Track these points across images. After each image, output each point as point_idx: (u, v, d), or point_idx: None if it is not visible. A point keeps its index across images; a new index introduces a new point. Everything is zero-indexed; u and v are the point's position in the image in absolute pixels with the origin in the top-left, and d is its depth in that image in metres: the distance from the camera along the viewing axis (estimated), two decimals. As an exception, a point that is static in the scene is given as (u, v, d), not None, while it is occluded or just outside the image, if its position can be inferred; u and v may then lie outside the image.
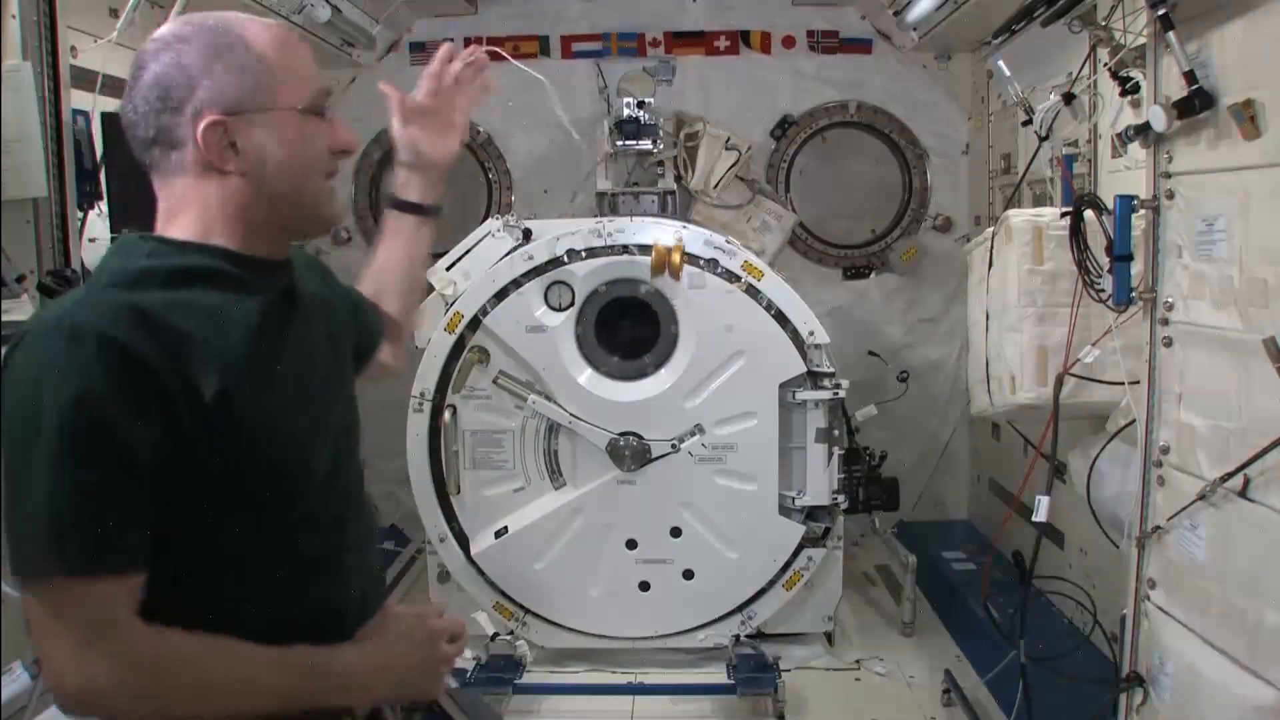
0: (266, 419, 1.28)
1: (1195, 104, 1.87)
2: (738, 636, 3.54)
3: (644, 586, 3.55)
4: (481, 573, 3.56)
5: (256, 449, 1.27)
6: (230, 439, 1.23)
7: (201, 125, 1.27)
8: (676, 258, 3.26)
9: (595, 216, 4.10)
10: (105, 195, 2.80)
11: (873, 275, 5.01)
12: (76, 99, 2.65)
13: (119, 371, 1.15)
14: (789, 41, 4.92)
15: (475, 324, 3.45)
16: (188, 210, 1.32)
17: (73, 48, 2.75)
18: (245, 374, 1.25)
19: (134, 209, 2.90)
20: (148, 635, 1.19)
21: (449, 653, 1.43)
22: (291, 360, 1.36)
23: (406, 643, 1.38)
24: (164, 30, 1.32)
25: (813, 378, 3.44)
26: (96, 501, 1.15)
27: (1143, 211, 2.13)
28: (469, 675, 3.32)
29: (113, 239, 2.84)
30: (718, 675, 3.45)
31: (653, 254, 3.35)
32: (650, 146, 4.51)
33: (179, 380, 1.19)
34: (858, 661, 3.66)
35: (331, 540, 1.41)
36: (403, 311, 1.86)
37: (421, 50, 4.95)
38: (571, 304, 3.47)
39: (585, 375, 3.50)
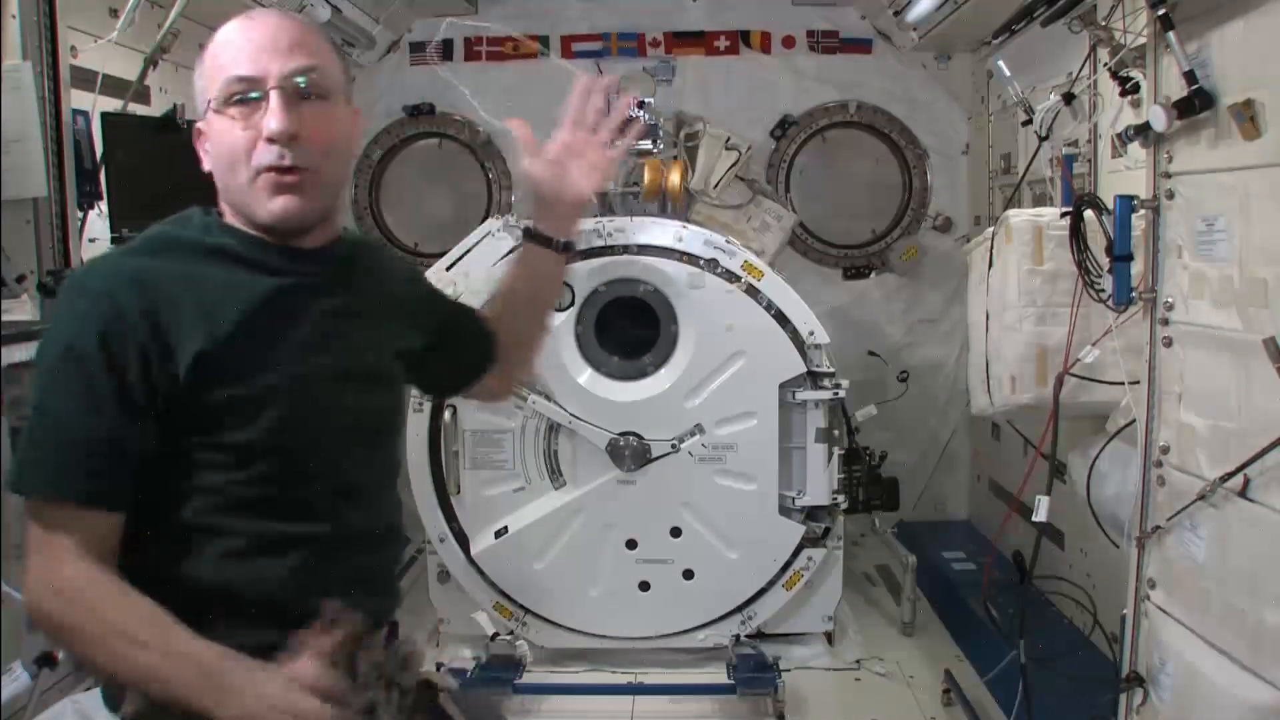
0: (252, 386, 1.34)
1: (1195, 104, 1.87)
2: (738, 636, 3.54)
3: (644, 586, 3.55)
4: (481, 573, 3.56)
5: (225, 418, 1.33)
6: (202, 403, 1.31)
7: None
8: (676, 178, 3.07)
9: (595, 216, 4.10)
10: (105, 195, 2.80)
11: (873, 275, 5.01)
12: (76, 99, 2.65)
13: (103, 324, 1.28)
14: (789, 41, 4.91)
15: (475, 324, 3.45)
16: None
17: (73, 48, 2.75)
18: (225, 344, 1.32)
19: (134, 209, 2.91)
20: (83, 572, 1.26)
21: (307, 709, 1.23)
22: (293, 340, 1.40)
23: (275, 683, 1.24)
24: None
25: (813, 378, 3.44)
26: (65, 435, 1.29)
27: (1143, 211, 2.13)
28: (469, 675, 3.32)
29: (113, 239, 2.84)
30: (718, 675, 3.45)
31: (645, 175, 3.18)
32: (650, 146, 4.51)
33: (158, 341, 1.30)
34: (858, 661, 3.66)
35: (310, 528, 1.40)
36: (518, 345, 1.84)
37: (421, 50, 4.95)
38: (571, 304, 3.47)
39: (585, 375, 3.50)
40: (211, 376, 1.31)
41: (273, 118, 1.33)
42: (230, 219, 1.44)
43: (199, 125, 1.41)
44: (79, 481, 1.29)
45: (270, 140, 1.34)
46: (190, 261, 1.37)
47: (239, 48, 1.36)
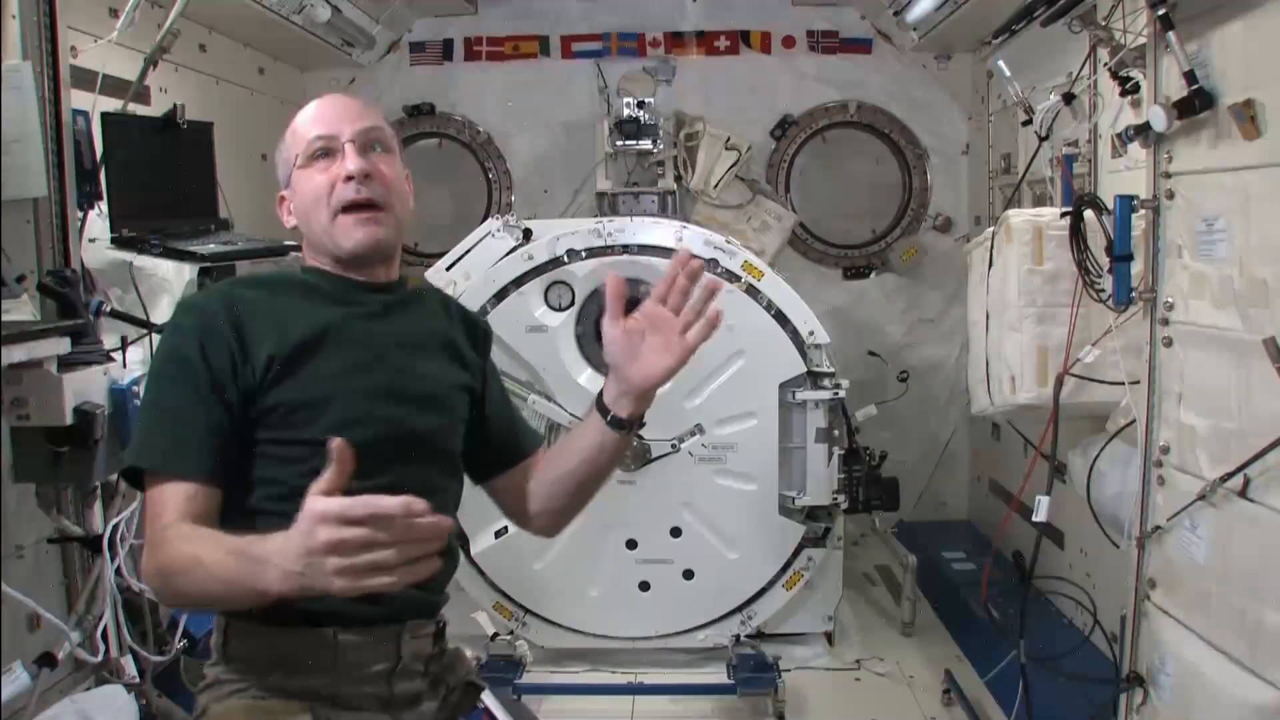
0: (311, 390, 1.56)
1: (1195, 104, 1.87)
2: (738, 636, 3.54)
3: (644, 586, 3.55)
4: (481, 573, 3.56)
5: (291, 416, 1.55)
6: (272, 402, 1.54)
7: (278, 198, 1.73)
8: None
9: (595, 216, 4.10)
10: (105, 195, 2.79)
11: (873, 275, 5.01)
12: (76, 99, 2.65)
13: (201, 333, 1.55)
14: (789, 41, 4.92)
15: (475, 324, 3.45)
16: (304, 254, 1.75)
17: (73, 48, 2.75)
18: (291, 352, 1.56)
19: (134, 209, 2.91)
20: (174, 527, 1.45)
21: (322, 539, 1.22)
22: (350, 358, 1.61)
23: (295, 529, 1.26)
24: None
25: (813, 378, 3.44)
26: (169, 418, 1.53)
27: (1143, 211, 2.13)
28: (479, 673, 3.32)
29: (112, 239, 2.84)
30: (718, 675, 3.45)
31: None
32: (650, 146, 4.51)
33: (241, 347, 1.55)
34: (858, 661, 3.66)
35: None
36: (562, 498, 1.86)
37: (422, 50, 4.96)
38: (571, 304, 3.47)
39: (585, 375, 3.50)
40: (279, 379, 1.55)
41: (350, 160, 1.61)
42: (311, 260, 1.71)
43: (282, 193, 1.71)
44: (186, 456, 1.50)
45: (348, 178, 1.60)
46: (272, 290, 1.65)
47: (316, 117, 1.66)
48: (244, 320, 1.57)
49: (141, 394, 1.64)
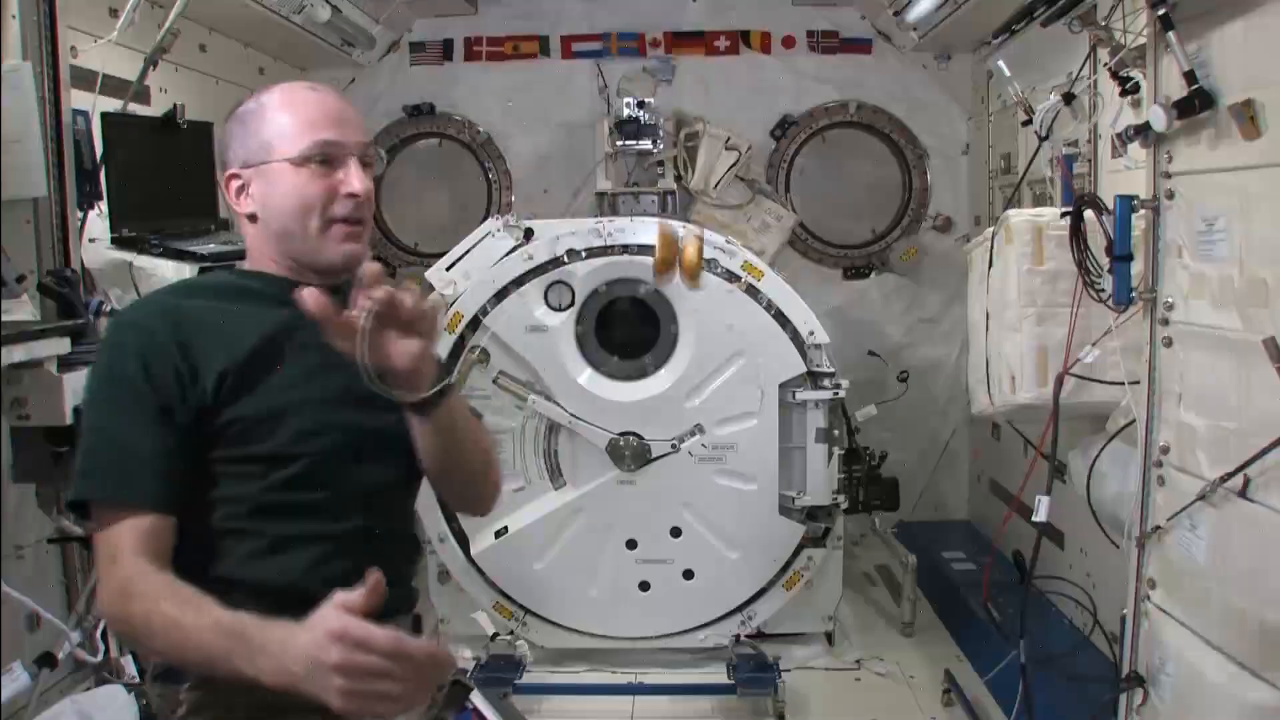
0: (268, 402, 1.49)
1: (1195, 104, 1.87)
2: (738, 636, 3.54)
3: (644, 586, 3.55)
4: (481, 573, 3.56)
5: (248, 432, 1.48)
6: (227, 418, 1.47)
7: (225, 177, 1.58)
8: (693, 251, 2.67)
9: (595, 216, 4.10)
10: (105, 195, 2.79)
11: (873, 275, 5.01)
12: (76, 99, 2.65)
13: (142, 350, 1.46)
14: (789, 41, 4.92)
15: (475, 324, 3.45)
16: (246, 244, 1.65)
17: (73, 48, 2.75)
18: (243, 365, 1.49)
19: (134, 209, 2.91)
20: (134, 569, 1.39)
21: (335, 658, 1.19)
22: (305, 364, 1.53)
23: (306, 635, 1.22)
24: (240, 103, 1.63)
25: (813, 378, 3.44)
26: (113, 446, 1.45)
27: (1143, 211, 2.13)
28: (469, 675, 3.32)
29: (112, 239, 2.84)
30: (718, 675, 3.45)
31: (658, 245, 3.00)
32: (650, 146, 4.51)
33: (188, 363, 1.47)
34: (858, 661, 3.66)
35: (330, 527, 1.52)
36: (462, 485, 1.71)
37: (422, 50, 4.96)
38: (571, 304, 3.47)
39: (585, 375, 3.50)
40: (233, 394, 1.48)
41: (356, 179, 1.55)
42: (257, 263, 1.61)
43: (241, 171, 1.56)
44: (135, 486, 1.43)
45: (350, 196, 1.54)
46: (214, 298, 1.57)
47: (320, 118, 1.55)
48: (188, 335, 1.49)
49: (82, 420, 1.54)
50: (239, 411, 1.48)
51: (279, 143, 1.55)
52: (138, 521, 1.42)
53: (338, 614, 1.21)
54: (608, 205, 4.56)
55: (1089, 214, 2.38)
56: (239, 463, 1.49)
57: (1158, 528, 2.07)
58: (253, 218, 1.58)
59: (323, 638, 1.20)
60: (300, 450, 1.50)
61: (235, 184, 1.58)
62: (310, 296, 1.34)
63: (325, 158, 1.54)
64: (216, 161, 1.71)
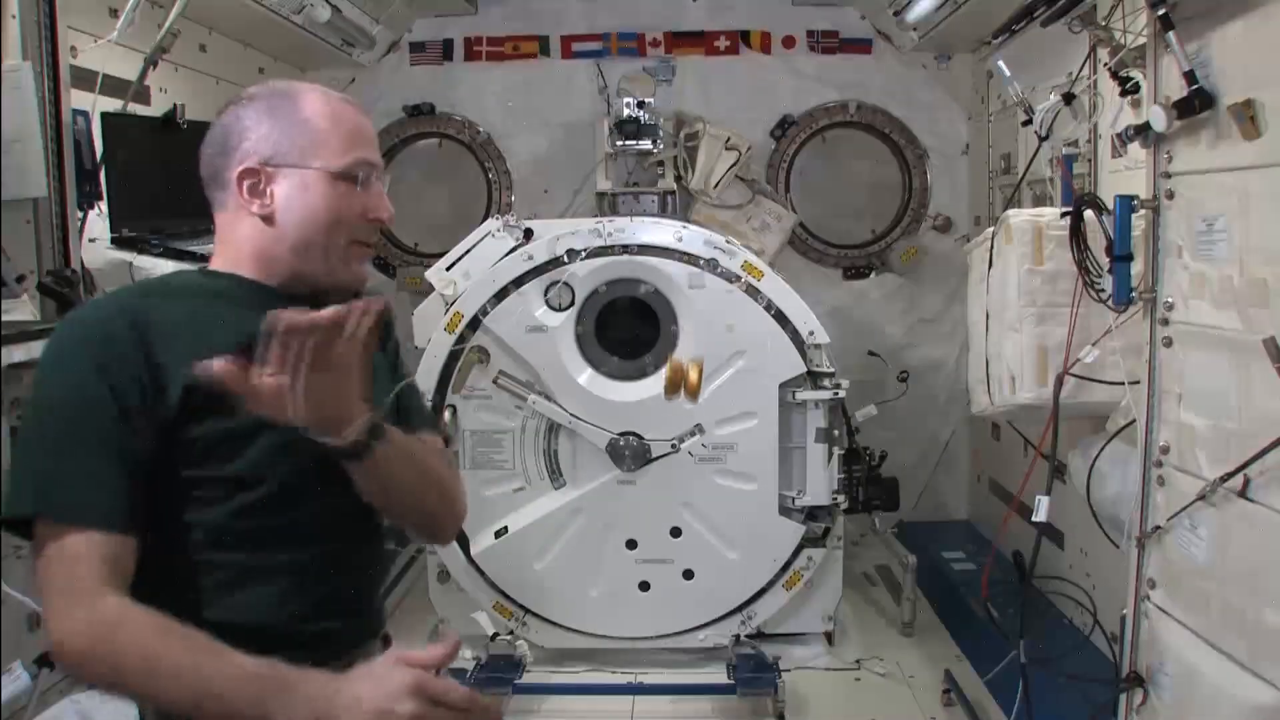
0: (240, 418, 1.32)
1: (1195, 104, 1.87)
2: (738, 636, 3.54)
3: (644, 586, 3.55)
4: (481, 573, 3.56)
5: (228, 445, 1.36)
6: (202, 430, 1.35)
7: (238, 168, 1.44)
8: (695, 376, 2.88)
9: (595, 216, 4.10)
10: (105, 195, 2.80)
11: (873, 275, 5.02)
12: (76, 99, 2.65)
13: (97, 353, 1.33)
14: (789, 41, 4.92)
15: (475, 324, 3.46)
16: (226, 242, 1.50)
17: (73, 48, 2.75)
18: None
19: (134, 209, 2.91)
20: (114, 605, 1.26)
21: (409, 710, 1.19)
22: None
23: (371, 686, 1.21)
24: (248, 89, 1.51)
25: (813, 378, 3.44)
26: (66, 456, 1.30)
27: (1143, 211, 2.13)
28: (469, 675, 3.32)
29: (112, 239, 2.84)
30: (718, 675, 3.45)
31: (667, 369, 3.05)
32: (650, 146, 4.51)
33: (151, 372, 1.34)
34: (858, 661, 3.66)
35: (297, 555, 1.42)
36: (418, 509, 1.62)
37: (422, 50, 4.96)
38: (571, 304, 3.47)
39: (585, 375, 3.50)
40: (200, 409, 1.34)
41: (385, 206, 1.50)
42: (232, 264, 1.48)
43: (261, 167, 1.43)
44: (95, 502, 1.29)
45: (378, 220, 1.50)
46: (180, 301, 1.44)
47: (359, 132, 1.49)
48: (153, 340, 1.34)
49: (21, 426, 1.35)
50: (205, 429, 1.34)
51: (320, 151, 1.45)
52: (99, 545, 1.27)
53: (406, 668, 1.22)
54: (608, 205, 4.56)
55: (1089, 214, 2.38)
56: (200, 485, 1.36)
57: (1158, 528, 2.07)
58: (265, 219, 1.45)
59: (397, 691, 1.19)
60: (268, 472, 1.39)
61: (249, 181, 1.44)
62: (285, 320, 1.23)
63: (360, 178, 1.47)
64: (214, 148, 1.48)
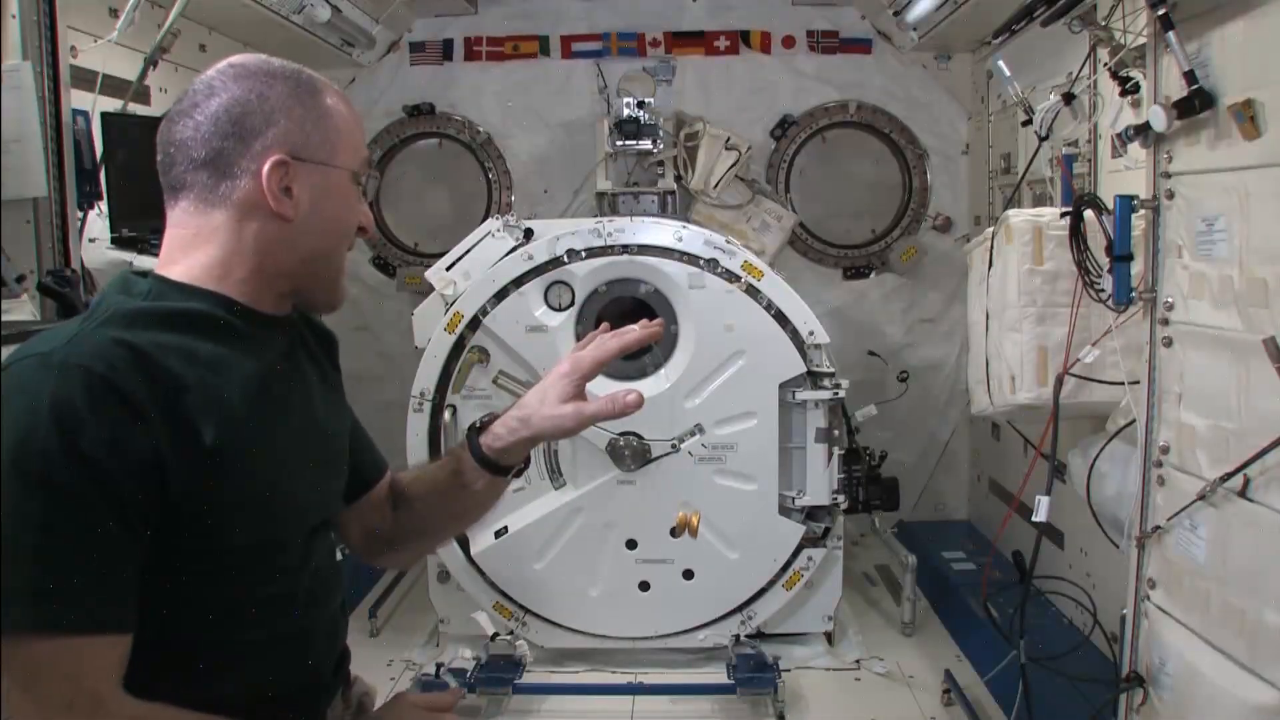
0: (259, 483, 1.20)
1: (1195, 104, 1.87)
2: (738, 636, 3.54)
3: (644, 586, 3.55)
4: (481, 573, 3.56)
5: (245, 514, 1.19)
6: (218, 499, 1.16)
7: (270, 160, 1.22)
8: (695, 523, 3.09)
9: (595, 216, 4.10)
10: (105, 195, 2.80)
11: (873, 275, 5.01)
12: (76, 99, 2.65)
13: (107, 412, 1.07)
14: (789, 41, 4.91)
15: (475, 324, 3.45)
16: (212, 243, 1.26)
17: (73, 48, 2.76)
18: (243, 430, 1.18)
19: (134, 209, 2.91)
20: (133, 710, 1.11)
21: None
22: (290, 424, 1.29)
23: None
24: (241, 60, 1.27)
25: (813, 378, 3.44)
26: (83, 551, 1.07)
27: (1143, 211, 2.13)
28: (469, 675, 3.32)
29: (112, 239, 2.84)
30: (718, 675, 3.45)
31: (678, 517, 3.16)
32: (650, 146, 4.51)
33: (173, 427, 1.11)
34: (858, 661, 3.66)
35: (308, 616, 1.34)
36: (423, 538, 1.66)
37: (422, 50, 4.96)
38: (571, 304, 3.47)
39: (585, 375, 3.49)
40: (217, 474, 1.15)
41: (370, 215, 1.35)
42: (217, 281, 1.25)
43: (290, 160, 1.24)
44: (118, 609, 1.10)
45: (362, 231, 1.35)
46: (184, 337, 1.19)
47: (360, 130, 1.36)
48: (169, 397, 1.12)
49: (14, 507, 1.06)
50: (220, 495, 1.16)
51: (345, 149, 1.29)
52: (112, 649, 1.10)
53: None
54: (608, 205, 4.56)
55: (1089, 214, 2.38)
56: (205, 555, 1.17)
57: (1158, 528, 2.07)
58: (268, 214, 1.24)
59: None
60: (286, 536, 1.26)
61: (280, 173, 1.22)
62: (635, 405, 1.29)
63: (360, 183, 1.34)
64: (219, 125, 1.22)
